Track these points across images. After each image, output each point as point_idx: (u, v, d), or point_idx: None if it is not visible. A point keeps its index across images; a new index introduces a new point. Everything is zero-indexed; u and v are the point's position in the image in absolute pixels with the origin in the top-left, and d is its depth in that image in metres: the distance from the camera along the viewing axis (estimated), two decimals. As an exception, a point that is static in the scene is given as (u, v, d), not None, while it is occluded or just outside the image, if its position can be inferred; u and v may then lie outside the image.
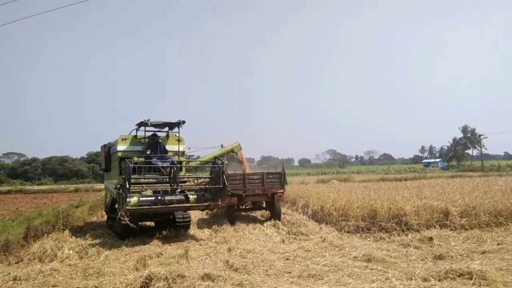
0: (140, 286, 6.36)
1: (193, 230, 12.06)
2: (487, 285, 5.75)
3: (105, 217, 14.16)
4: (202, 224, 13.24)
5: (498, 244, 8.90)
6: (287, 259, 8.34)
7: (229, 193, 11.93)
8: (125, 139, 11.84)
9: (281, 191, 13.58)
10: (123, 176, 10.20)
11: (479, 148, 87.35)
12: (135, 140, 11.89)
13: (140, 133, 11.94)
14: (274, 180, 13.59)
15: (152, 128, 11.96)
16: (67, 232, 11.81)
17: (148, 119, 11.28)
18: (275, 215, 13.31)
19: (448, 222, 11.02)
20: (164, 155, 11.66)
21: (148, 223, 13.24)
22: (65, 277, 7.39)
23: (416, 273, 6.67)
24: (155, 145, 11.71)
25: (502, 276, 6.32)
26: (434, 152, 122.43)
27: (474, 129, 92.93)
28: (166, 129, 12.31)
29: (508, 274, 6.48)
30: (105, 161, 12.89)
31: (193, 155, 12.87)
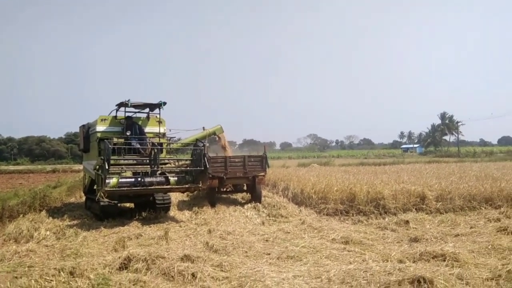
0: (119, 267, 6.33)
1: (173, 212, 12.02)
2: (459, 267, 5.92)
3: (84, 198, 13.96)
4: (182, 206, 13.20)
5: (471, 228, 9.19)
6: (266, 240, 8.42)
7: (210, 176, 11.89)
8: (105, 119, 11.61)
9: (262, 174, 13.61)
10: (102, 157, 10.02)
11: (456, 135, 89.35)
12: (114, 121, 11.67)
13: (121, 114, 11.72)
14: (256, 163, 13.60)
15: (133, 109, 11.74)
16: (44, 213, 11.60)
17: (129, 100, 11.06)
18: (256, 197, 13.37)
19: (424, 206, 11.29)
20: (143, 136, 11.50)
21: (127, 204, 13.13)
22: (42, 258, 7.28)
23: (392, 255, 6.84)
24: (130, 126, 11.51)
25: (473, 258, 6.53)
26: (412, 138, 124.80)
27: (452, 116, 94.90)
28: (147, 110, 12.11)
29: (480, 256, 6.71)
30: (83, 141, 12.64)
31: (174, 137, 12.75)
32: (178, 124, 13.12)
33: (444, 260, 6.24)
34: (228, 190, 14.56)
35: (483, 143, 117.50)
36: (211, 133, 14.38)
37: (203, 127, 14.34)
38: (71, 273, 5.89)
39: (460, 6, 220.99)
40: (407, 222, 9.70)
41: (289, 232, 9.19)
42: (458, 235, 8.50)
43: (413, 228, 9.33)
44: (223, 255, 7.09)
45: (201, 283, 5.59)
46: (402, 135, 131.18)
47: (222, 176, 13.02)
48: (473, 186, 12.63)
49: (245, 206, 12.67)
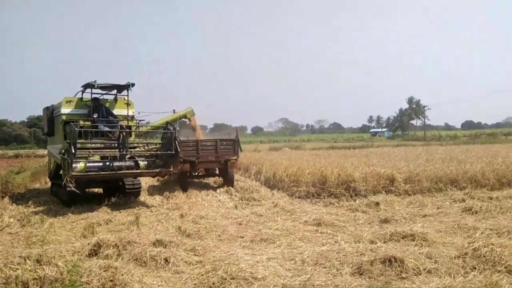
0: (88, 254, 6.15)
1: (143, 197, 11.79)
2: (428, 246, 6.10)
3: (49, 184, 13.47)
4: (153, 191, 12.96)
5: (438, 208, 9.50)
6: (239, 224, 8.41)
7: (182, 160, 11.70)
8: (70, 101, 11.14)
9: (235, 158, 13.52)
10: (68, 141, 9.63)
11: (423, 119, 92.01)
12: (80, 102, 11.22)
13: (87, 96, 11.27)
14: (228, 147, 13.48)
15: (100, 91, 11.31)
16: (6, 199, 11.14)
17: (95, 81, 10.62)
18: (228, 181, 13.30)
19: (393, 188, 11.56)
20: (110, 118, 11.14)
21: (96, 190, 12.78)
22: (6, 246, 6.97)
23: (364, 236, 6.96)
24: (97, 108, 11.12)
25: (441, 237, 6.75)
26: (381, 122, 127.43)
27: (419, 100, 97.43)
28: (115, 92, 11.70)
29: (446, 236, 6.94)
30: (48, 125, 12.13)
31: (143, 120, 12.39)
32: (147, 107, 12.71)
33: (413, 240, 6.39)
34: (200, 174, 14.40)
35: (447, 127, 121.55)
36: (181, 116, 14.07)
37: (173, 110, 14.02)
38: (38, 261, 5.64)
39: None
40: (377, 204, 9.91)
41: (262, 215, 9.20)
42: (426, 215, 8.76)
43: (383, 209, 9.54)
44: (196, 239, 7.02)
45: (174, 268, 5.51)
46: (370, 119, 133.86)
47: (193, 160, 12.84)
48: (439, 168, 13.02)
49: (218, 190, 12.59)
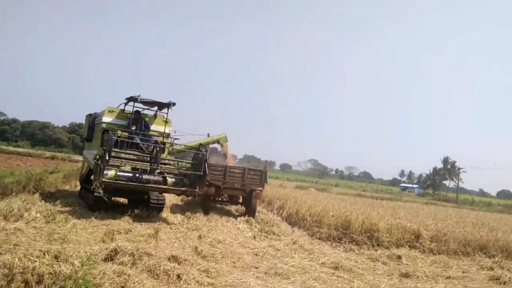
0: (105, 258, 6.25)
1: (165, 213, 11.90)
2: (448, 308, 5.81)
3: (79, 187, 13.87)
4: (175, 209, 13.08)
5: (463, 272, 9.04)
6: (256, 254, 8.31)
7: (208, 183, 11.82)
8: (112, 111, 11.63)
9: (260, 188, 13.52)
10: (104, 148, 9.99)
11: (456, 181, 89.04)
12: (122, 114, 11.69)
13: (129, 108, 11.74)
14: (255, 177, 13.53)
15: (142, 105, 11.76)
16: (37, 195, 11.49)
17: (139, 95, 11.08)
18: (250, 211, 13.24)
19: (418, 244, 11.14)
20: (146, 133, 11.49)
21: (121, 200, 13.03)
22: (29, 238, 7.18)
23: (381, 287, 6.71)
24: (136, 121, 11.51)
25: (463, 301, 6.41)
26: (412, 178, 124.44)
27: (454, 162, 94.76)
28: (156, 108, 12.14)
29: (469, 301, 6.58)
30: (87, 130, 12.64)
31: (178, 139, 12.70)
32: (183, 128, 13.06)
33: (434, 300, 6.11)
34: (223, 200, 14.45)
35: (482, 193, 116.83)
36: (215, 140, 14.37)
37: (208, 134, 14.35)
38: (56, 257, 5.79)
39: (474, 51, 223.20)
40: (399, 257, 9.55)
41: (279, 250, 9.07)
42: (450, 277, 8.35)
43: (405, 264, 9.18)
44: (211, 261, 6.98)
45: (186, 285, 5.49)
46: (402, 173, 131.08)
47: (219, 185, 12.93)
48: (469, 232, 12.48)
49: (238, 219, 12.55)
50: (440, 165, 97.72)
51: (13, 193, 10.81)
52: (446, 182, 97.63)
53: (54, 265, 5.52)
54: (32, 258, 5.62)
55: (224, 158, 15.48)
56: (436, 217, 15.83)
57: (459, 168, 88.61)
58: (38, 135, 73.16)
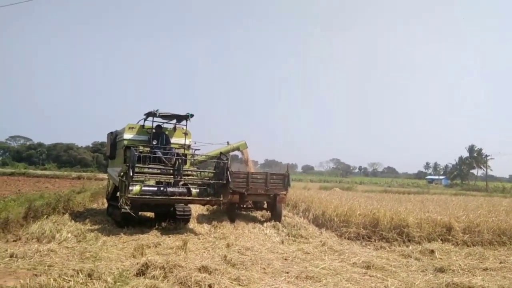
0: (136, 273, 6.33)
1: (192, 224, 11.99)
2: (488, 301, 5.63)
3: (106, 204, 14.14)
4: (201, 219, 13.17)
5: (501, 263, 8.75)
6: (285, 259, 8.26)
7: (232, 190, 11.85)
8: (132, 128, 11.82)
9: (284, 192, 13.48)
10: (127, 164, 10.16)
11: (484, 169, 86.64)
12: (142, 129, 11.87)
13: (148, 123, 11.91)
14: (278, 181, 13.49)
15: (160, 119, 11.93)
16: (67, 216, 11.78)
17: (157, 110, 11.23)
18: (276, 216, 13.20)
19: (450, 237, 10.85)
20: (167, 146, 11.63)
21: (148, 214, 13.20)
22: (62, 258, 7.36)
23: (416, 283, 6.57)
24: (158, 135, 11.67)
25: (504, 293, 6.20)
26: (438, 169, 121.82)
27: (481, 149, 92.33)
28: (174, 121, 12.29)
29: (510, 292, 6.37)
30: (110, 148, 12.88)
31: (199, 149, 12.80)
32: (202, 138, 13.18)
33: (472, 293, 5.93)
34: (248, 206, 14.45)
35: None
36: (235, 148, 14.41)
37: (227, 142, 14.40)
38: (89, 275, 5.92)
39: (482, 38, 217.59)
40: (432, 251, 9.33)
41: (308, 253, 8.99)
42: (487, 269, 8.07)
43: (438, 258, 8.95)
44: (241, 269, 6.97)
45: (218, 295, 5.49)
46: (427, 165, 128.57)
47: (243, 192, 12.95)
48: (503, 220, 12.08)
49: (265, 224, 12.52)
50: (465, 154, 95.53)
51: (44, 216, 11.10)
52: (474, 171, 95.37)
53: (88, 283, 5.65)
54: (66, 278, 5.76)
55: (245, 165, 15.49)
56: (466, 208, 15.43)
57: (486, 156, 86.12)
58: (63, 157, 75.12)
